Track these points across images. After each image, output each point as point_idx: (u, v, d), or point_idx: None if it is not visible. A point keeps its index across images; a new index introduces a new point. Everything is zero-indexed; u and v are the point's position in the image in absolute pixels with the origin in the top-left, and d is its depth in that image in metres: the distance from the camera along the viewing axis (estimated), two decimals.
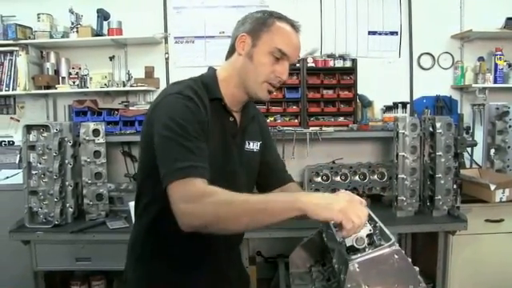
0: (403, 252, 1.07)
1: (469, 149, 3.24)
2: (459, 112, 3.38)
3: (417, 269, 1.07)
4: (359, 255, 1.05)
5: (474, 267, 2.82)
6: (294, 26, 1.35)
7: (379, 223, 1.19)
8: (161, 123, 1.22)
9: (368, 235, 1.08)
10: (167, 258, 1.36)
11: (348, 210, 1.05)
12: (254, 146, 1.48)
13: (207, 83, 1.36)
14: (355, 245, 1.07)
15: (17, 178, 2.93)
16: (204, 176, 1.15)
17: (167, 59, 3.43)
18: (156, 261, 1.37)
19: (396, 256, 1.04)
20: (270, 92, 1.35)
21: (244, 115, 1.44)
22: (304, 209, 1.06)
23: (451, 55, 3.44)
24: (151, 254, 1.39)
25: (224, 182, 1.13)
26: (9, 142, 3.50)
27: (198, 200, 1.10)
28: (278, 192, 1.57)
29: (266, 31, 1.31)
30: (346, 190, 2.92)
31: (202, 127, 1.24)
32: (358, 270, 1.04)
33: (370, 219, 1.23)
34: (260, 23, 1.32)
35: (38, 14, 3.23)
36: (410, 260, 1.07)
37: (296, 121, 3.25)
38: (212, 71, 1.42)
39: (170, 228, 1.23)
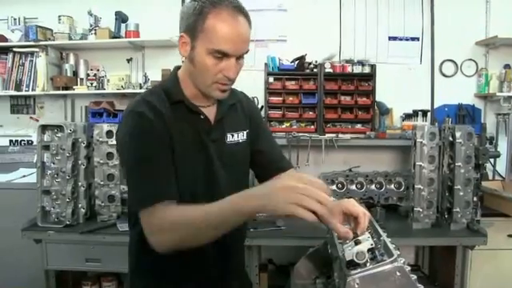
0: (407, 269, 1.00)
1: (492, 160, 3.12)
2: (482, 121, 3.27)
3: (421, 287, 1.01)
4: (359, 270, 0.99)
5: (495, 284, 2.72)
6: (231, 7, 1.17)
7: (383, 237, 1.13)
8: (120, 148, 1.28)
9: (369, 249, 1.02)
10: (161, 272, 1.32)
11: (296, 197, 0.93)
12: (238, 136, 1.40)
13: (167, 87, 1.30)
14: (355, 259, 1.01)
15: (33, 176, 2.96)
16: (164, 196, 1.16)
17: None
18: (151, 275, 1.34)
19: (398, 273, 0.97)
20: (223, 91, 1.26)
21: (219, 107, 1.36)
22: (240, 209, 1.01)
23: (475, 62, 3.34)
24: (146, 268, 1.35)
25: (204, 182, 1.15)
26: (28, 141, 3.56)
27: (159, 231, 1.13)
28: None
29: (200, 30, 1.17)
30: (362, 199, 2.93)
31: (159, 139, 1.21)
32: (356, 286, 0.98)
33: (374, 232, 1.17)
34: (194, 19, 1.17)
35: (59, 16, 3.28)
36: (414, 277, 1.01)
37: (312, 127, 3.20)
38: (173, 72, 1.34)
39: None
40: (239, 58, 1.22)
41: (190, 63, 1.23)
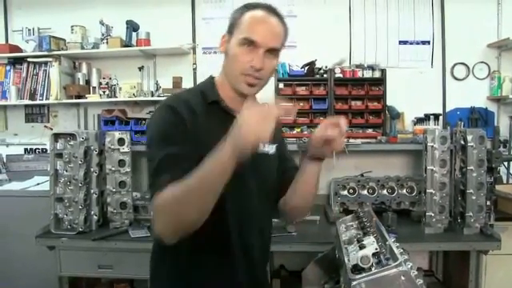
0: (413, 273, 1.00)
1: (506, 163, 3.07)
2: (495, 124, 3.22)
3: None
4: (364, 275, 0.99)
5: None
6: (266, 9, 1.29)
7: (389, 241, 1.12)
8: (148, 136, 1.32)
9: (375, 254, 1.02)
10: (181, 280, 1.32)
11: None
12: (268, 148, 1.38)
13: (203, 89, 1.35)
14: (360, 264, 1.01)
15: (47, 184, 3.00)
16: (170, 180, 1.13)
17: (195, 69, 3.46)
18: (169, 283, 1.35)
19: (403, 277, 0.97)
20: (250, 85, 1.29)
21: None
22: (232, 153, 1.05)
23: (487, 65, 3.29)
24: (166, 276, 1.36)
25: (232, 188, 1.11)
26: (42, 149, 3.62)
27: (155, 218, 1.14)
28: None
29: (236, 25, 1.29)
30: (373, 204, 2.91)
31: (181, 130, 1.23)
32: None
33: (381, 236, 1.16)
34: (234, 19, 1.30)
35: (72, 26, 3.34)
36: (420, 282, 1.00)
37: None
38: (210, 78, 1.41)
39: (179, 247, 1.20)
40: (270, 53, 1.27)
41: (226, 57, 1.32)
